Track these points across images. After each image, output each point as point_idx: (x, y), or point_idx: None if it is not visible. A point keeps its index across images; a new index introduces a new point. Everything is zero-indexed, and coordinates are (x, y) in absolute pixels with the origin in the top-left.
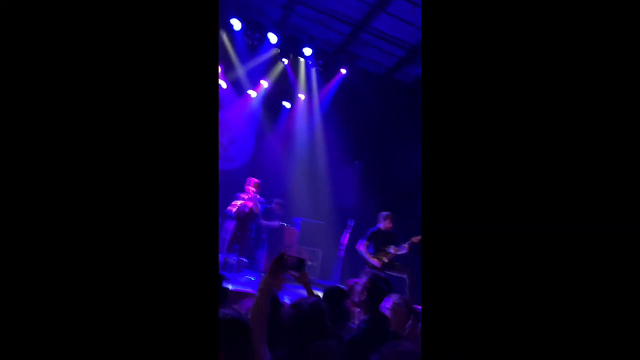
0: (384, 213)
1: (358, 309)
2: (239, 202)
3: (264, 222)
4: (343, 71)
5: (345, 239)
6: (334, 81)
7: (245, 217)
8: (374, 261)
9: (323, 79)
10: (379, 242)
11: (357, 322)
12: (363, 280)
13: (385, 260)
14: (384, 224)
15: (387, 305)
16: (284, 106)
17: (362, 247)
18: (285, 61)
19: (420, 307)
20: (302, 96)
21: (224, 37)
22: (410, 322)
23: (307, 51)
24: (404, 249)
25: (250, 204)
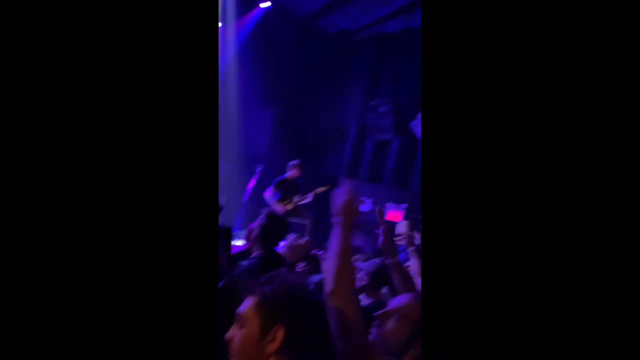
0: (292, 162)
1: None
2: None
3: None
4: (266, 4)
5: (251, 184)
6: (254, 13)
7: None
8: (278, 207)
9: (243, 8)
10: (286, 190)
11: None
12: (259, 218)
13: (289, 207)
14: (291, 173)
15: (284, 244)
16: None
17: (268, 194)
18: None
19: (319, 252)
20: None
21: None
22: (305, 264)
23: None
24: (308, 198)
25: None
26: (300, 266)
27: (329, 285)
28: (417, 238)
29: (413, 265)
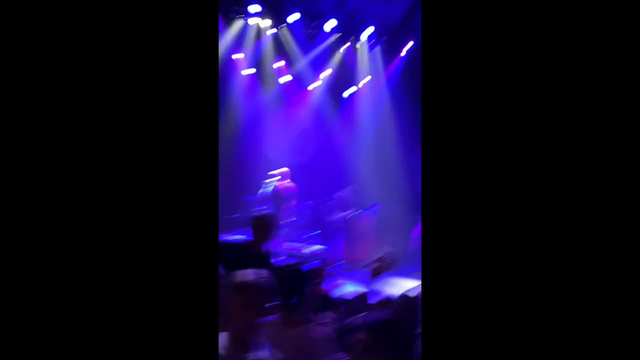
0: None
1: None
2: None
3: (339, 212)
4: (409, 44)
5: (416, 232)
6: (399, 57)
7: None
8: None
9: (388, 56)
10: None
11: None
12: None
13: None
14: None
15: None
16: (350, 91)
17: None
18: (347, 44)
19: None
20: (367, 78)
21: (284, 31)
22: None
23: (369, 30)
24: None
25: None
26: None
27: None
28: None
29: None
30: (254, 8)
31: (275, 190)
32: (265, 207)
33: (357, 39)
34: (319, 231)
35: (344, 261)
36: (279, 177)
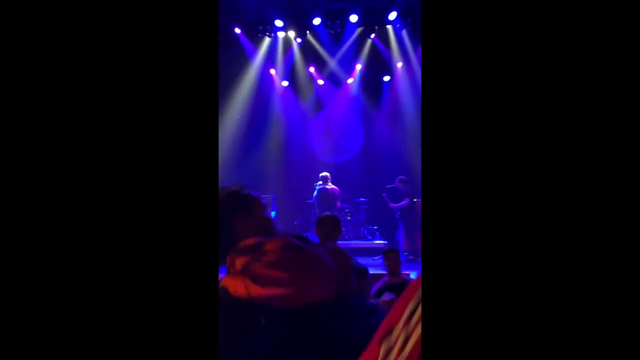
0: None
1: None
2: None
3: (393, 205)
4: None
5: None
6: None
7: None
8: None
9: (417, 37)
10: None
11: None
12: None
13: None
14: None
15: None
16: (384, 81)
17: None
18: (373, 35)
19: None
20: (399, 64)
21: (309, 37)
22: None
23: (392, 15)
24: None
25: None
26: None
27: None
28: None
29: None
30: (278, 23)
31: (319, 194)
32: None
33: (382, 27)
34: (376, 227)
35: (406, 252)
36: (320, 183)
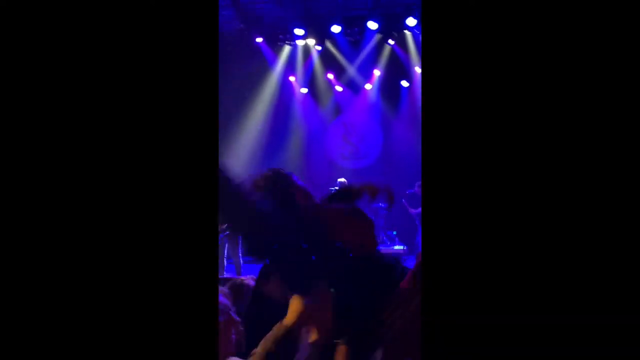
0: None
1: None
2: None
3: (413, 210)
4: None
5: None
6: None
7: None
8: None
9: None
10: None
11: None
12: None
13: None
14: None
15: None
16: (403, 87)
17: None
18: (392, 42)
19: None
20: (418, 69)
21: (328, 44)
22: None
23: (411, 22)
24: None
25: None
26: None
27: None
28: None
29: None
30: (298, 31)
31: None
32: None
33: (401, 33)
34: (395, 232)
35: None
36: (337, 188)
